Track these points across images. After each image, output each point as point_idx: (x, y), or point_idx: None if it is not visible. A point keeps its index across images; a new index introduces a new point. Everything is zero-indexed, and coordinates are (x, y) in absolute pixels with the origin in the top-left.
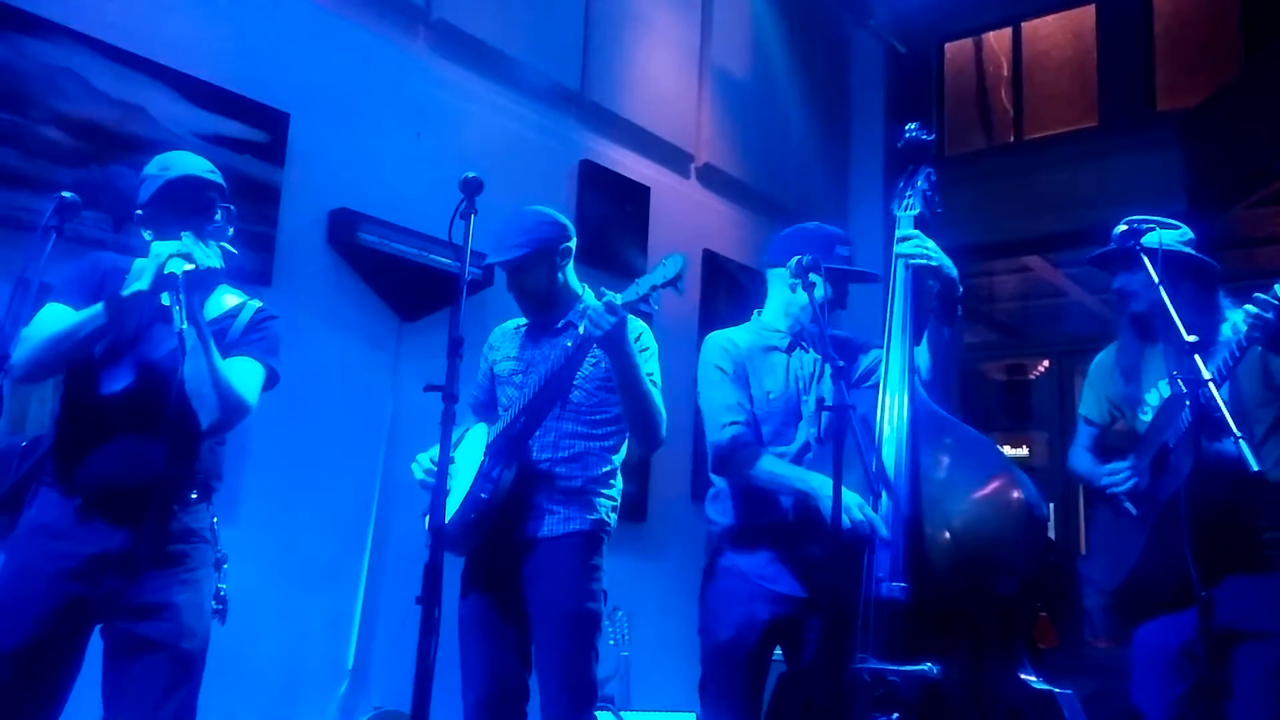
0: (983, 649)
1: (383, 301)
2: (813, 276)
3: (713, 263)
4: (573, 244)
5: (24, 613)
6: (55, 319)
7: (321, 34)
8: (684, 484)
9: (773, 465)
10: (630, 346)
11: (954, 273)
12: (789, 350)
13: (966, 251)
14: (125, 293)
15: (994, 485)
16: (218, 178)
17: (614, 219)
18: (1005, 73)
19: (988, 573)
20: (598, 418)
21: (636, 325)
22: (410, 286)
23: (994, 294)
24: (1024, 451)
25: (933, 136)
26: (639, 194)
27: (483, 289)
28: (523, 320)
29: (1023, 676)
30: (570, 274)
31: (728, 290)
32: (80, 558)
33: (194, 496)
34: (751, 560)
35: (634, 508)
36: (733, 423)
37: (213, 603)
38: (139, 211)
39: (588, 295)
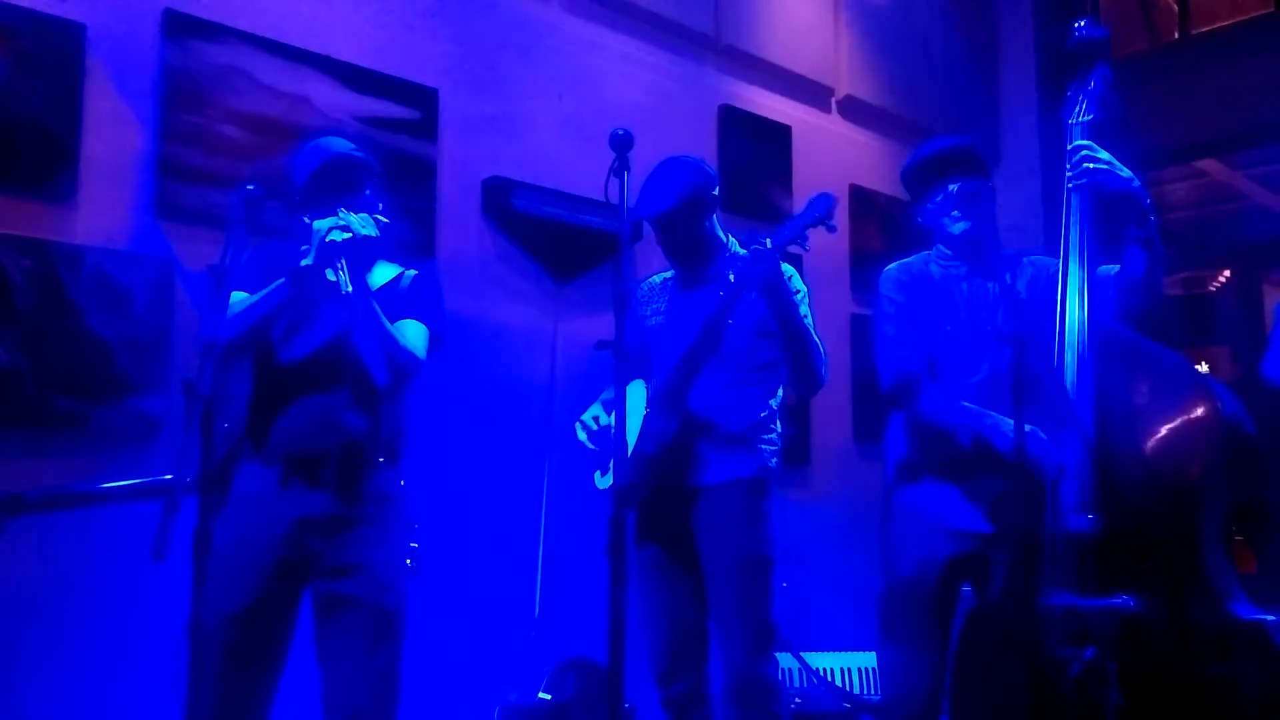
0: (1185, 579)
1: (539, 265)
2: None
3: (861, 198)
4: (717, 192)
5: (243, 578)
6: (241, 302)
7: (462, 8)
8: (845, 426)
9: (943, 403)
10: (786, 289)
11: (1134, 185)
12: (967, 278)
13: (1133, 160)
14: (299, 266)
15: (1191, 406)
16: (362, 155)
17: (757, 162)
18: None
19: (1189, 501)
20: (753, 363)
21: (786, 268)
22: (564, 248)
23: (1166, 204)
24: (1205, 367)
25: (1106, 32)
26: (781, 134)
27: (632, 244)
28: (670, 273)
29: (1229, 606)
30: (716, 222)
31: (878, 225)
32: (285, 523)
33: (381, 460)
34: (929, 496)
35: (797, 451)
36: (903, 358)
37: (407, 561)
38: (296, 196)
39: (733, 243)
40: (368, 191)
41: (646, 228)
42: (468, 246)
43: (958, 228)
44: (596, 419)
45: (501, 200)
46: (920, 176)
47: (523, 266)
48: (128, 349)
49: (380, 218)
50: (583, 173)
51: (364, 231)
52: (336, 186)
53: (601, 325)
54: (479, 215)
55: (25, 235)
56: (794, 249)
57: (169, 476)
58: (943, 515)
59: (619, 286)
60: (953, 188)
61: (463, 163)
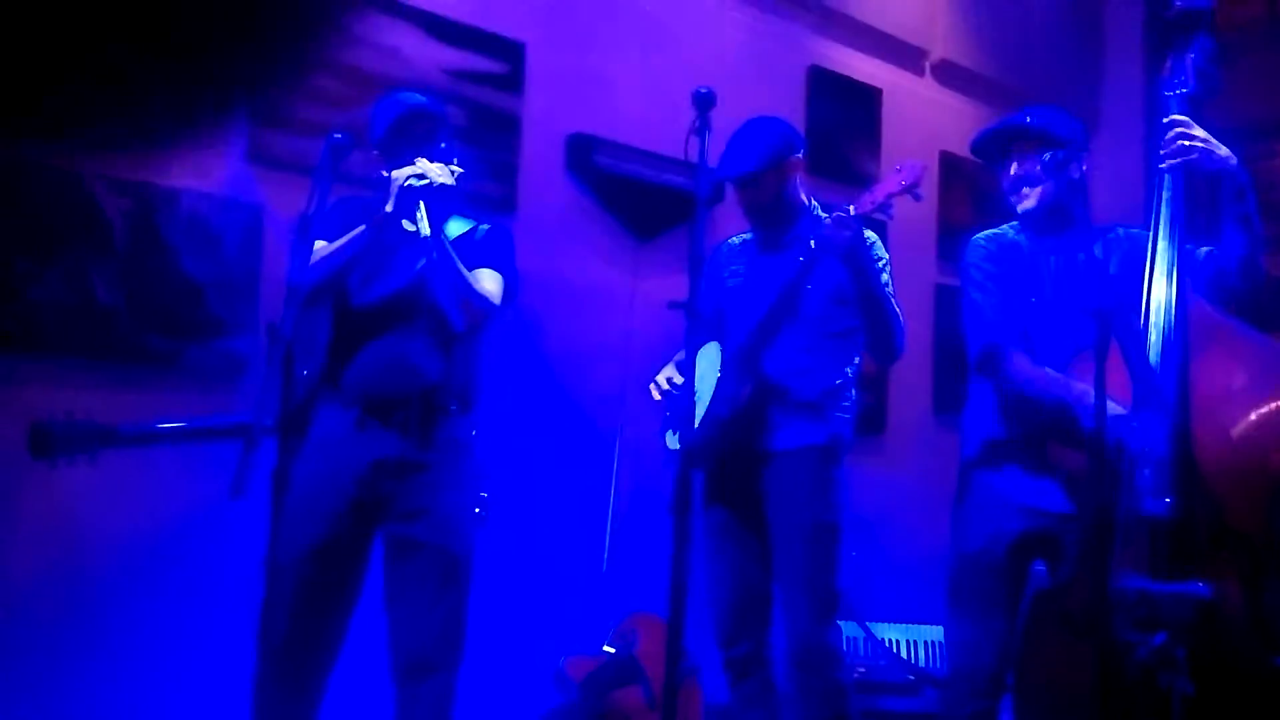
0: (1262, 568)
1: (619, 222)
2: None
3: (951, 165)
4: (802, 155)
5: (319, 515)
6: (323, 248)
7: None
8: (924, 397)
9: (1031, 372)
10: (869, 257)
11: (1231, 163)
12: (1055, 250)
13: (1243, 134)
14: (380, 213)
15: (1278, 389)
16: (437, 108)
17: (845, 125)
18: None
19: (1272, 490)
20: (830, 330)
21: (869, 235)
22: (645, 206)
23: (1275, 180)
24: None
25: (1211, 3)
26: (870, 97)
27: (714, 205)
28: (749, 235)
29: None
30: (799, 186)
31: (968, 193)
32: (360, 464)
33: (454, 408)
34: (1005, 472)
35: (873, 420)
36: (993, 324)
37: (476, 510)
38: (374, 151)
39: (815, 207)
40: (443, 144)
41: (728, 189)
42: (550, 202)
43: (1023, 206)
44: (671, 379)
45: (584, 157)
46: (984, 155)
47: (604, 223)
48: (218, 290)
49: (456, 168)
50: (666, 131)
51: (440, 180)
52: (413, 138)
53: (680, 285)
54: (562, 171)
55: (124, 177)
56: (878, 216)
57: (250, 420)
58: (1016, 491)
59: (694, 247)
60: (1014, 168)
61: (547, 118)
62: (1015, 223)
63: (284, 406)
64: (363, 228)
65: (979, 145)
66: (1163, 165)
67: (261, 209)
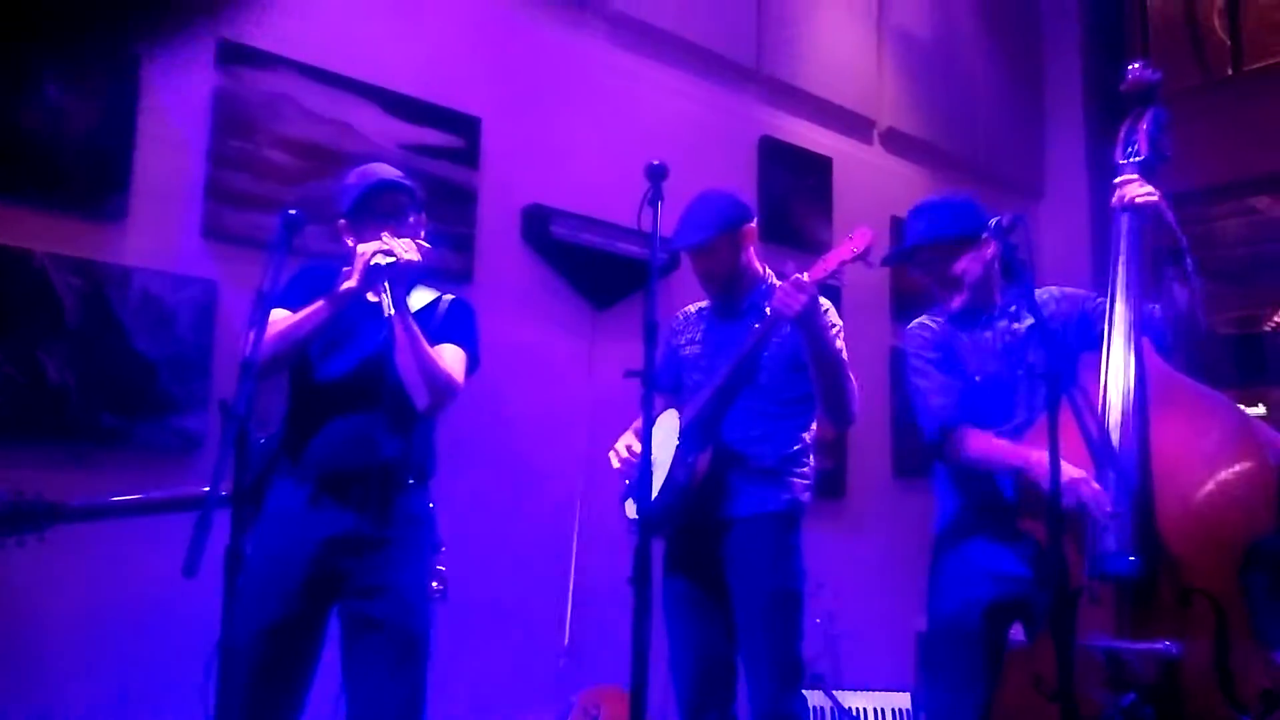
0: (1229, 626)
1: (576, 291)
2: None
3: (901, 230)
4: (755, 224)
5: (274, 593)
6: (281, 321)
7: (506, 38)
8: (884, 459)
9: (984, 445)
10: (823, 324)
11: (1170, 216)
12: (989, 326)
13: (1184, 197)
14: (338, 289)
15: (1239, 450)
16: (407, 183)
17: (797, 193)
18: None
19: (1232, 546)
20: (786, 397)
21: (823, 301)
22: (601, 275)
23: (1218, 240)
24: (1261, 410)
25: (1159, 75)
26: (821, 166)
27: (670, 273)
28: (705, 303)
29: (1273, 655)
30: (754, 254)
31: None
32: (315, 541)
33: (411, 482)
34: (975, 542)
35: (833, 484)
36: (941, 407)
37: (433, 584)
38: (341, 220)
39: (770, 275)
40: (411, 218)
41: (684, 257)
42: (507, 272)
43: (952, 307)
44: (630, 447)
45: (540, 227)
46: (899, 265)
47: (560, 292)
48: (170, 367)
49: (423, 243)
50: (621, 201)
51: (407, 257)
52: (381, 212)
53: (638, 352)
54: (518, 242)
55: (76, 256)
56: (832, 282)
57: (205, 489)
58: (987, 559)
59: (648, 315)
60: (922, 278)
61: (503, 190)
62: (945, 310)
63: (238, 481)
64: (321, 303)
65: (890, 262)
66: (1123, 210)
67: (215, 285)
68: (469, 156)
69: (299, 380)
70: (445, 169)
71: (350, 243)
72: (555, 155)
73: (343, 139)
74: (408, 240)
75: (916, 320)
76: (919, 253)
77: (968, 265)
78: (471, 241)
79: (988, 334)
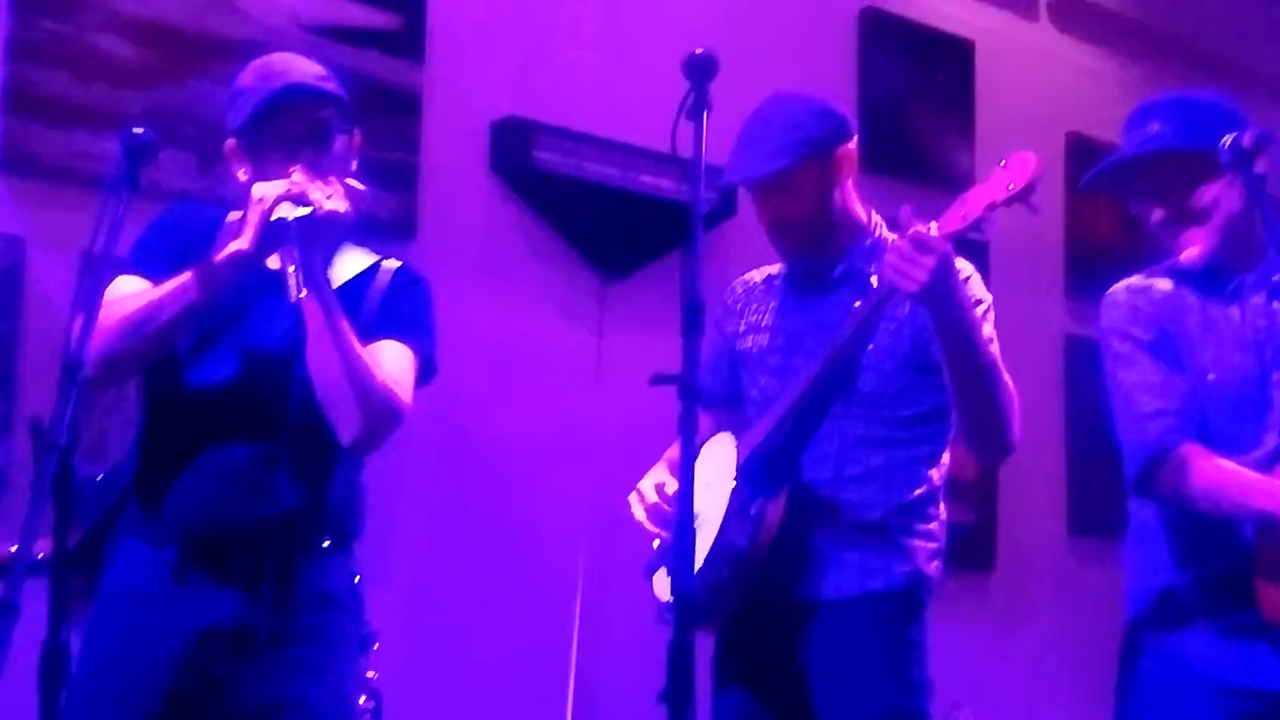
0: None
1: (574, 251)
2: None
3: (1083, 153)
4: (855, 145)
5: (117, 714)
6: (129, 297)
7: None
8: (1055, 510)
9: (1220, 476)
10: (962, 301)
11: None
12: (1237, 299)
13: None
14: (220, 255)
15: None
16: (335, 87)
17: (919, 97)
18: None
19: None
20: (904, 414)
21: (962, 266)
22: (613, 226)
23: None
24: None
25: None
26: (957, 53)
27: (721, 223)
28: (777, 268)
29: None
30: (852, 192)
31: (1110, 198)
32: (180, 635)
33: (326, 545)
34: (1192, 635)
35: (975, 549)
36: (1158, 414)
37: (360, 699)
38: (231, 141)
39: (879, 225)
40: (338, 143)
41: (743, 198)
42: (467, 222)
43: (1184, 258)
44: (661, 490)
45: (519, 152)
46: (1106, 191)
47: (550, 252)
48: None
49: (355, 184)
50: (644, 112)
51: (329, 206)
52: (293, 134)
53: (671, 346)
54: (484, 174)
55: None
56: (975, 236)
57: (11, 550)
58: (1212, 663)
59: (689, 289)
60: (1156, 214)
61: (462, 95)
62: (1171, 266)
63: (59, 539)
64: (192, 273)
65: (1090, 188)
66: None
67: (21, 243)
68: (409, 45)
69: (158, 391)
70: (373, 64)
71: (241, 177)
72: (541, 42)
73: (214, 17)
74: (333, 182)
75: (1124, 283)
76: (1142, 171)
77: (1220, 195)
78: (413, 175)
79: (1234, 311)
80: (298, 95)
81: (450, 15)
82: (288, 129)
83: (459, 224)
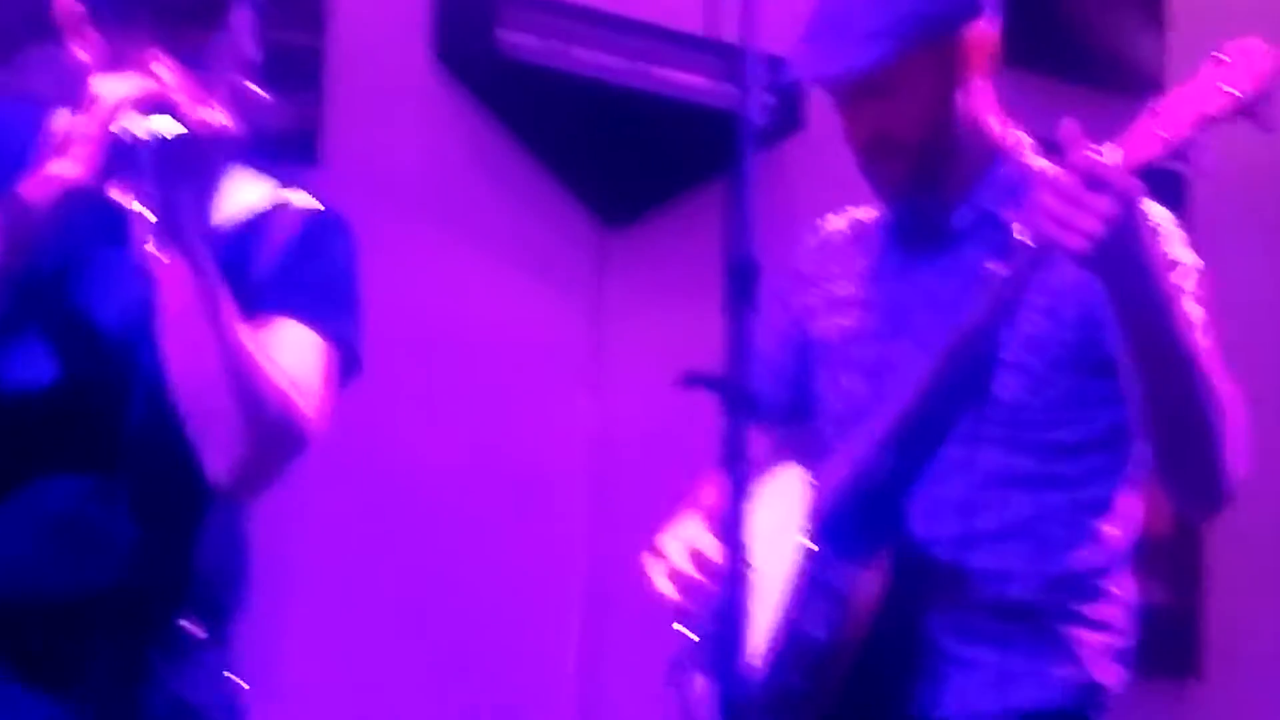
0: None
1: (558, 182)
2: None
3: None
4: (988, 26)
5: None
6: None
7: None
8: None
9: None
10: (1154, 262)
11: None
12: None
13: None
14: (34, 184)
15: None
16: None
17: None
18: None
19: None
20: (1063, 438)
21: (1154, 211)
22: (616, 145)
23: None
24: None
25: None
26: None
27: (781, 140)
28: (871, 211)
29: None
30: (980, 98)
31: None
32: None
33: (188, 628)
34: None
35: (1173, 644)
36: None
37: None
38: (72, 6)
39: (1025, 146)
40: (235, 20)
41: (816, 106)
42: (397, 138)
43: None
44: (693, 549)
45: (475, 31)
46: None
47: (522, 185)
48: None
49: (252, 88)
50: None
51: (206, 121)
52: (169, 6)
53: (691, 322)
54: (424, 64)
55: None
56: (1174, 166)
57: None
58: None
59: (738, 241)
60: None
61: None
62: None
63: None
64: None
65: None
66: None
67: None
68: None
69: None
70: None
71: (81, 56)
72: None
73: None
74: (217, 82)
75: None
76: None
77: None
78: (317, 65)
79: None
80: None
81: None
82: None
83: (386, 140)
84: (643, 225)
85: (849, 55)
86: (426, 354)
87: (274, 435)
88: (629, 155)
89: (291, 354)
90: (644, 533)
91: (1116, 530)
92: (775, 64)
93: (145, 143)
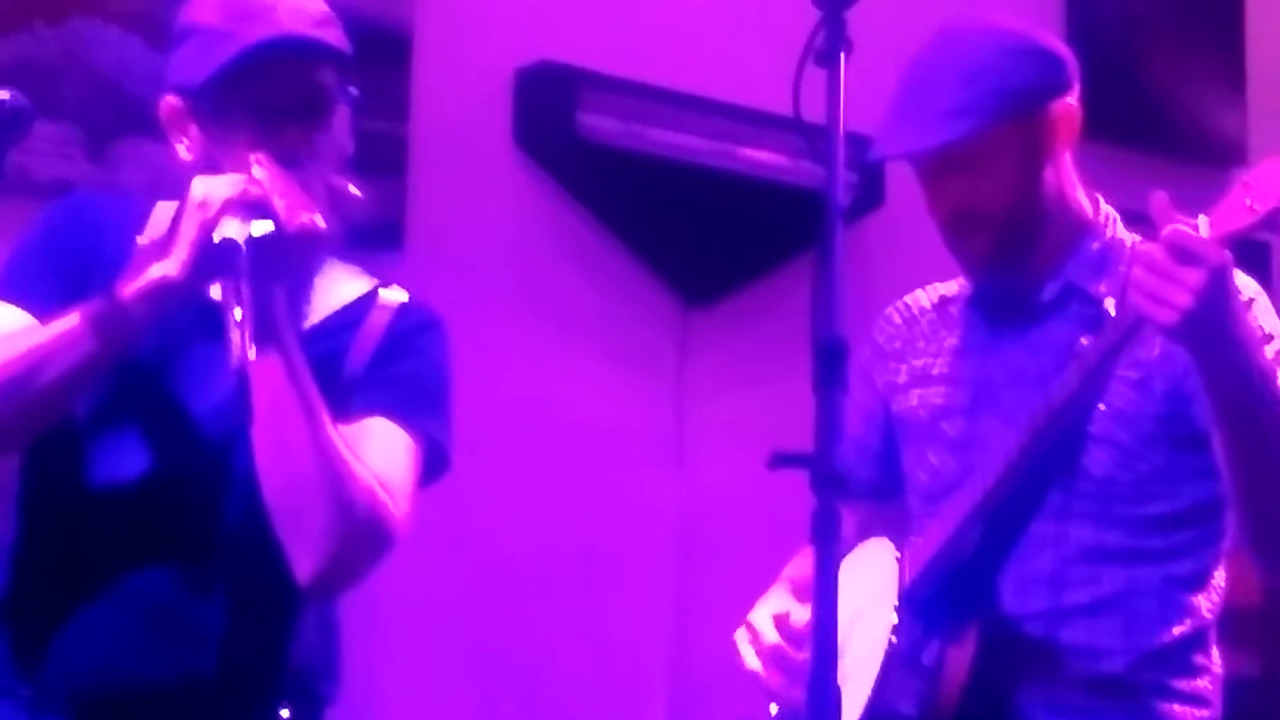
0: None
1: (640, 262)
2: None
3: None
4: (1075, 99)
5: None
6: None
7: None
8: None
9: None
10: (1245, 334)
11: None
12: None
13: None
14: (134, 285)
15: None
16: (339, 36)
17: (1159, 23)
18: None
19: None
20: (1154, 512)
21: (1244, 284)
22: (698, 225)
23: None
24: None
25: None
26: None
27: (864, 216)
28: (956, 286)
29: None
30: (1069, 172)
31: None
32: None
33: (287, 715)
34: None
35: (1263, 716)
36: None
37: None
38: (173, 100)
39: (1111, 220)
40: (334, 118)
41: (896, 181)
42: (480, 222)
43: None
44: (782, 623)
45: (559, 115)
46: None
47: (604, 265)
48: None
49: (352, 189)
50: (738, 57)
51: (302, 222)
52: (271, 105)
53: (795, 405)
54: (508, 148)
55: None
56: (1263, 234)
57: None
58: None
59: (825, 319)
60: None
61: (472, 33)
62: None
63: None
64: (87, 311)
65: None
66: None
67: None
68: None
69: (43, 484)
70: None
71: (184, 154)
72: None
73: None
74: (314, 182)
75: None
76: None
77: None
78: (401, 152)
79: None
80: (289, 51)
81: None
82: (266, 97)
83: (468, 225)
84: (724, 304)
85: (935, 130)
86: (510, 436)
87: (362, 535)
88: (710, 235)
89: (381, 453)
90: (731, 610)
91: (1208, 603)
92: (858, 142)
93: (243, 246)
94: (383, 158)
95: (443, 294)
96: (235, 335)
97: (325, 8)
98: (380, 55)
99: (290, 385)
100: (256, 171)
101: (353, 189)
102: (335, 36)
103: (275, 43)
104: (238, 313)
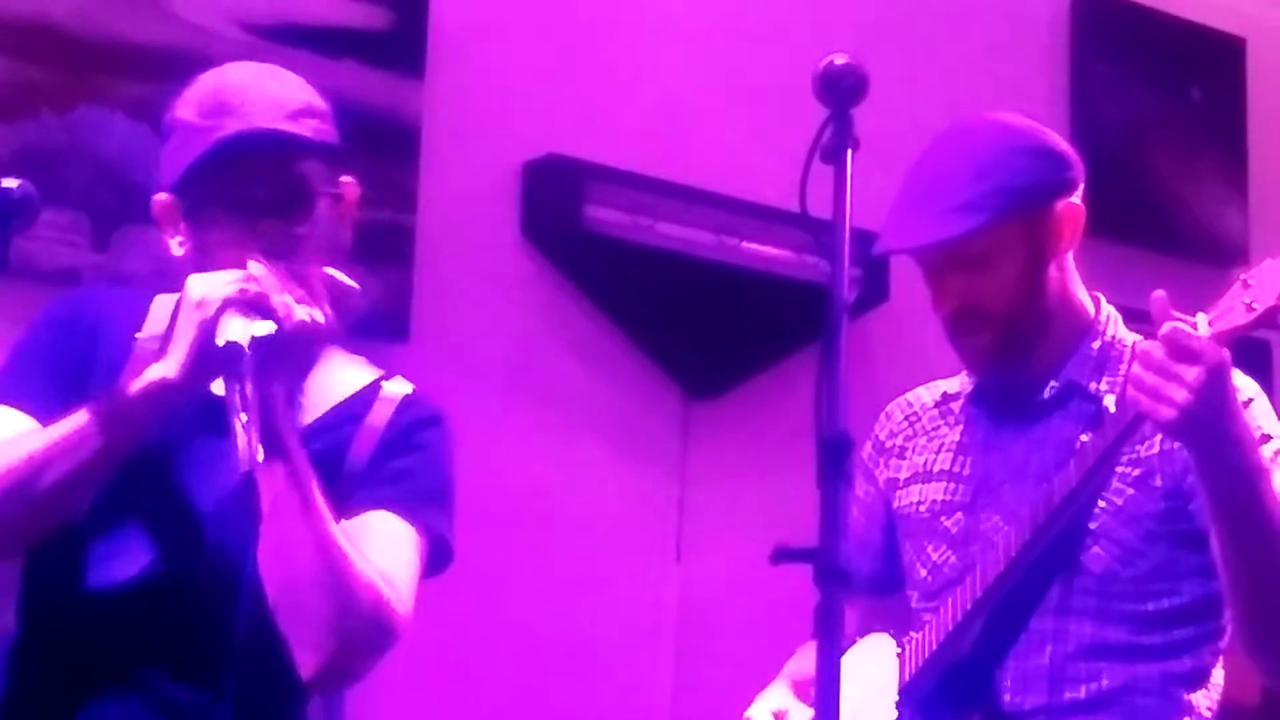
0: None
1: (644, 354)
2: None
3: None
4: (1079, 197)
5: None
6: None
7: None
8: None
9: None
10: (1243, 434)
11: None
12: None
13: None
14: (136, 385)
15: None
16: (319, 128)
17: (1161, 120)
18: None
19: None
20: (1153, 609)
21: (1242, 385)
22: (701, 318)
23: None
24: None
25: None
26: (1219, 56)
27: (869, 311)
28: (958, 382)
29: None
30: (1071, 271)
31: None
32: None
33: None
34: None
35: None
36: None
37: None
38: (163, 198)
39: (1111, 320)
40: (320, 208)
41: (899, 278)
42: (485, 314)
43: None
44: (783, 716)
45: (565, 208)
46: None
47: (608, 358)
48: None
49: (347, 280)
50: (742, 151)
51: (298, 318)
52: (252, 200)
53: (776, 494)
54: (514, 240)
55: None
56: (1263, 333)
57: None
58: None
59: (829, 415)
60: None
61: (478, 126)
62: None
63: None
64: (84, 416)
65: None
66: None
67: None
68: (404, 53)
69: (43, 589)
70: (350, 81)
71: (177, 250)
72: (594, 51)
73: (119, 15)
74: (311, 277)
75: None
76: None
77: None
78: (408, 244)
79: None
80: (260, 145)
81: (461, 12)
82: (239, 192)
83: (474, 316)
84: (727, 397)
85: (941, 226)
86: (513, 526)
87: (365, 632)
88: (714, 328)
89: (384, 548)
90: (729, 705)
91: (1206, 700)
92: (863, 237)
93: (246, 349)
94: (390, 248)
95: (448, 384)
96: (241, 439)
97: (310, 98)
98: (389, 146)
99: (294, 488)
100: (253, 268)
101: (346, 280)
102: (313, 129)
103: (244, 137)
104: (243, 416)
